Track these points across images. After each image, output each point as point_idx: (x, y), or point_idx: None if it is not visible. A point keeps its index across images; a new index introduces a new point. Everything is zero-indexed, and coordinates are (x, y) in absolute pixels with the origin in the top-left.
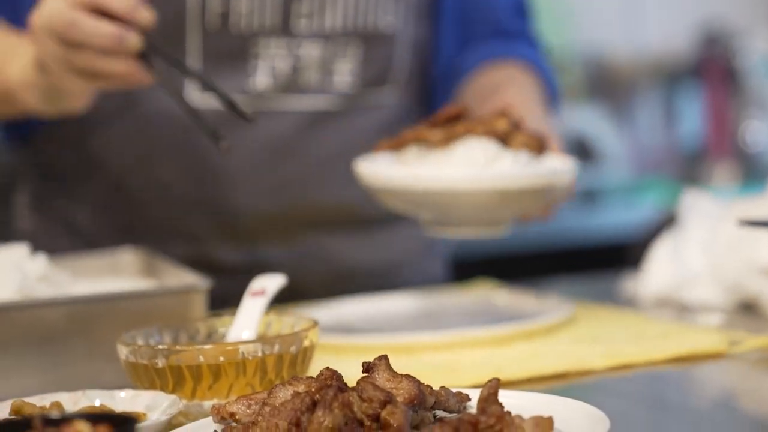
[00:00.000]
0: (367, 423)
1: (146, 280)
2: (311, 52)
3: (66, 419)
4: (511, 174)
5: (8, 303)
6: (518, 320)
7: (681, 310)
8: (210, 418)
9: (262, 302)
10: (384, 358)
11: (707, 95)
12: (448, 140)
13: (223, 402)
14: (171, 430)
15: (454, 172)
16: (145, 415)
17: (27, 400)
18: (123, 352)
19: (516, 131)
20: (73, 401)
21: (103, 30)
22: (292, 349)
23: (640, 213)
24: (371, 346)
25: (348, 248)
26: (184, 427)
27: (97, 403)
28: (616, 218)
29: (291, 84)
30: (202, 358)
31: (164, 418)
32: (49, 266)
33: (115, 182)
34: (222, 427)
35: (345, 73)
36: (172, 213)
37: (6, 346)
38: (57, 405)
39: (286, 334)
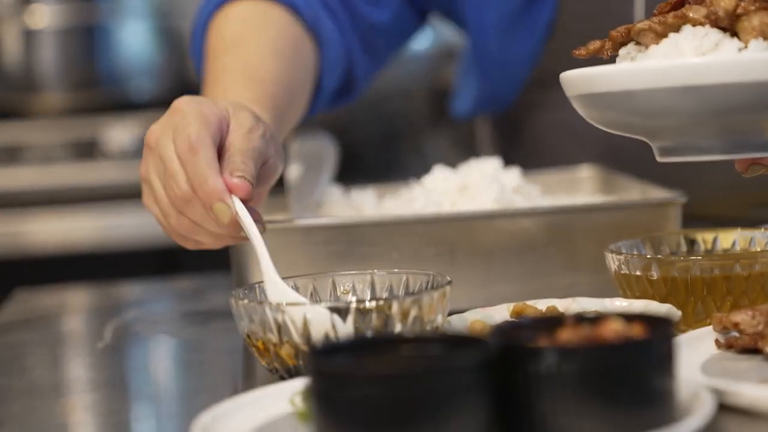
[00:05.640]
0: None
1: (606, 195)
2: None
3: (600, 317)
4: (756, 60)
5: (492, 212)
6: None
7: None
8: (710, 328)
9: None
10: None
11: None
12: (659, 35)
13: (725, 313)
14: None
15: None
16: None
17: None
18: (614, 262)
19: (754, 11)
20: (563, 307)
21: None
22: None
23: None
24: None
25: None
26: (685, 334)
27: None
28: None
29: None
30: (697, 271)
31: None
32: (522, 179)
33: None
34: (724, 336)
35: None
36: None
37: (489, 254)
38: (553, 309)
39: None
